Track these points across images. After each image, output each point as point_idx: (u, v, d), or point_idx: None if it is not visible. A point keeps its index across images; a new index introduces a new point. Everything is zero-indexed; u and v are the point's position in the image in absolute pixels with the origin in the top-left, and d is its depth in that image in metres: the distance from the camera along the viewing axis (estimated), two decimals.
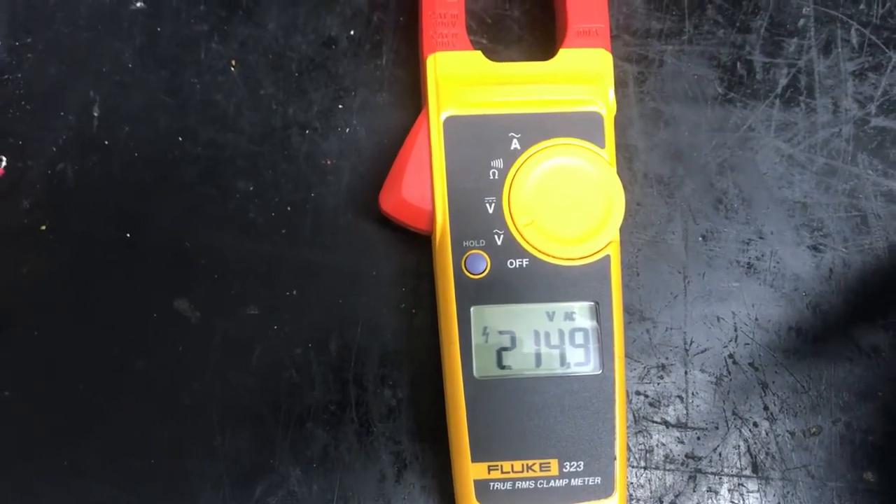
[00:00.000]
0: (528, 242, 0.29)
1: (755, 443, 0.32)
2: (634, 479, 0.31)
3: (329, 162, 0.33)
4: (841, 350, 0.32)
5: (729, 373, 0.32)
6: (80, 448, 0.31)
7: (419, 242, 0.32)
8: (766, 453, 0.32)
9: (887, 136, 0.34)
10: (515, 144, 0.30)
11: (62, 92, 0.33)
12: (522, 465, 0.28)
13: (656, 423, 0.32)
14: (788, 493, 0.32)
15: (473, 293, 0.29)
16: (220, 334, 0.31)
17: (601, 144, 0.30)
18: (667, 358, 0.32)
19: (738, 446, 0.32)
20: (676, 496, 0.31)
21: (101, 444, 0.31)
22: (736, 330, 0.33)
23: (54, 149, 0.32)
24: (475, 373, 0.29)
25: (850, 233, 0.33)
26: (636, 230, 0.33)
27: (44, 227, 0.32)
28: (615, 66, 0.32)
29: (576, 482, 0.28)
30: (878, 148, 0.34)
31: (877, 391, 0.32)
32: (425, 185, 0.30)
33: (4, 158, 0.31)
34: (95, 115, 0.32)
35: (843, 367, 0.32)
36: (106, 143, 0.32)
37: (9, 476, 0.30)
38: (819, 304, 0.33)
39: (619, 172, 0.30)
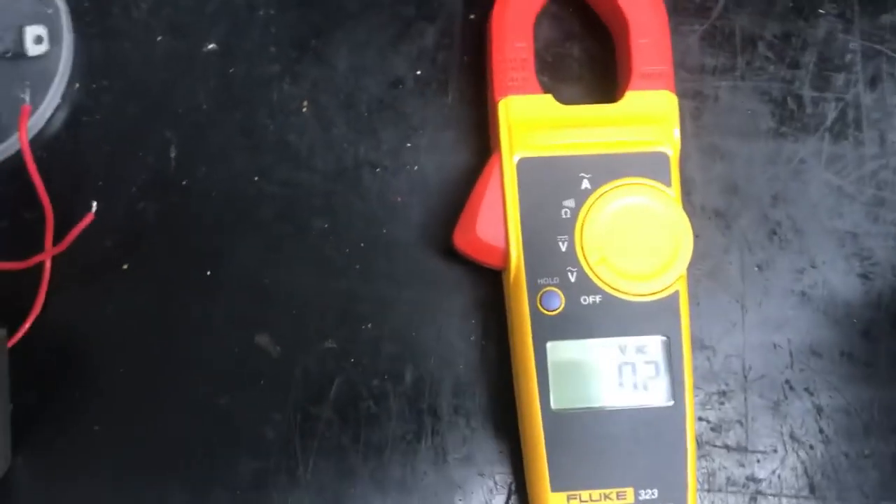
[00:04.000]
0: (600, 279, 0.30)
1: (811, 465, 0.33)
2: (699, 502, 0.33)
3: (399, 199, 0.34)
4: (891, 374, 0.34)
5: (786, 397, 0.34)
6: (168, 482, 0.32)
7: (487, 276, 0.33)
8: (822, 474, 0.33)
9: None
10: (586, 184, 0.31)
11: (140, 133, 0.34)
12: (600, 493, 0.30)
13: (718, 447, 0.33)
14: None
15: (549, 329, 0.30)
16: (300, 368, 0.33)
17: (668, 183, 0.31)
18: (727, 384, 0.34)
19: (796, 468, 0.33)
20: None
21: (187, 478, 0.32)
22: (791, 356, 0.34)
23: (134, 189, 0.33)
24: (553, 405, 0.30)
25: None
26: (696, 261, 0.34)
27: (125, 267, 0.33)
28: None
29: None
30: None
31: None
32: (499, 223, 0.31)
33: (95, 203, 0.32)
34: (173, 155, 0.33)
35: (894, 390, 0.34)
36: (184, 182, 0.33)
37: None
38: (870, 329, 0.34)
39: None
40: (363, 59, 0.35)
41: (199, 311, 0.33)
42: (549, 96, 0.32)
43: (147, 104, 0.34)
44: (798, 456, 0.33)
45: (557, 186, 0.31)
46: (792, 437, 0.34)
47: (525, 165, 0.31)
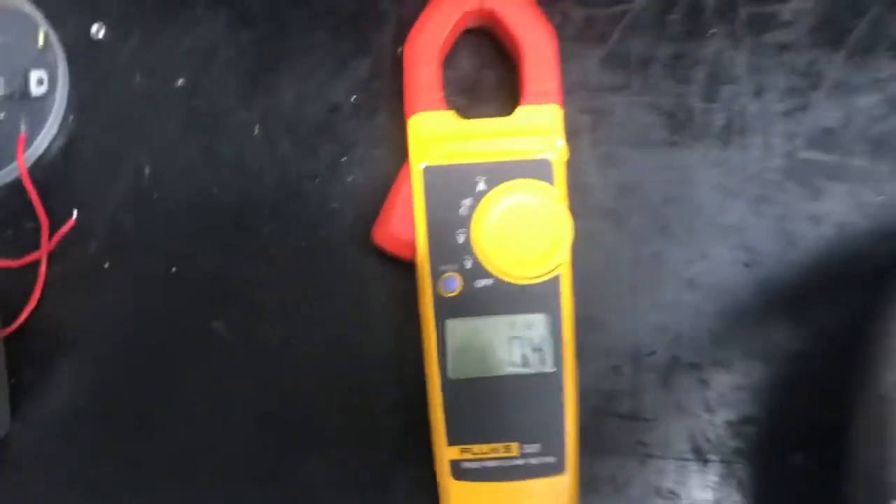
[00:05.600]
0: (492, 265, 0.36)
1: (696, 431, 0.38)
2: (593, 463, 0.37)
3: (335, 206, 0.40)
4: (768, 350, 0.38)
5: (673, 372, 0.38)
6: (144, 443, 0.38)
7: (408, 270, 0.38)
8: (705, 439, 0.38)
9: (812, 167, 0.40)
10: (482, 186, 0.36)
11: (120, 157, 0.40)
12: (489, 447, 0.35)
13: (611, 415, 0.38)
14: (726, 473, 0.37)
15: (448, 309, 0.36)
16: (251, 350, 0.39)
17: (551, 183, 0.36)
18: (621, 360, 0.38)
19: (681, 433, 0.38)
20: (629, 476, 0.37)
21: (154, 440, 0.38)
22: (680, 336, 0.38)
23: (115, 202, 0.40)
24: (450, 375, 0.35)
25: (779, 251, 0.39)
26: (594, 252, 0.39)
27: (106, 266, 0.39)
28: (573, 116, 0.38)
29: (533, 461, 0.35)
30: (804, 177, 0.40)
31: (798, 385, 0.38)
32: (408, 221, 0.36)
33: (76, 210, 0.39)
34: (146, 173, 0.40)
35: (771, 365, 0.38)
36: (156, 196, 0.40)
37: (83, 479, 0.38)
38: (751, 312, 0.38)
39: (576, 207, 0.37)
40: (306, 89, 0.41)
41: (166, 302, 0.39)
42: (451, 112, 0.37)
43: (126, 132, 0.40)
44: (684, 423, 0.38)
45: (457, 188, 0.36)
46: (678, 406, 0.38)
47: (430, 172, 0.37)
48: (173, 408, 0.38)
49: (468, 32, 0.39)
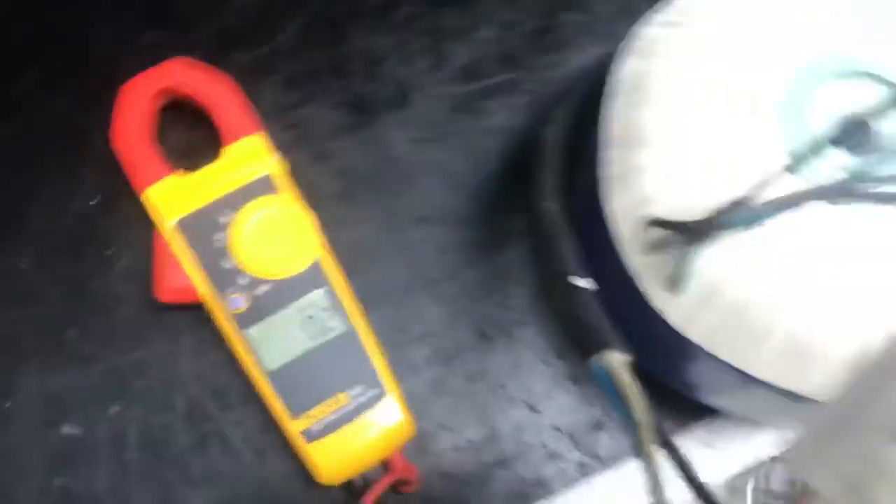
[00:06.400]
0: (261, 273, 0.43)
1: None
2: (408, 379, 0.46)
3: (120, 289, 0.46)
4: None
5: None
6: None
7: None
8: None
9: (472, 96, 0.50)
10: (227, 217, 0.44)
11: None
12: (324, 405, 0.42)
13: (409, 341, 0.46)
14: None
15: (244, 321, 0.43)
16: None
17: (279, 192, 0.44)
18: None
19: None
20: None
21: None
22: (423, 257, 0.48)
23: None
24: (269, 367, 0.42)
25: (470, 169, 0.49)
26: (341, 227, 0.47)
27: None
28: (278, 134, 0.46)
29: (362, 399, 0.42)
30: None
31: None
32: (180, 271, 0.43)
33: None
34: None
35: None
36: None
37: None
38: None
39: (310, 200, 0.45)
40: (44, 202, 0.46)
41: None
42: (175, 174, 0.44)
43: None
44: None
45: (207, 228, 0.43)
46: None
47: (179, 225, 0.43)
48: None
49: (169, 105, 0.46)
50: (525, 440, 0.46)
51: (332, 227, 0.45)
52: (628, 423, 0.31)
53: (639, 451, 0.30)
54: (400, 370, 0.45)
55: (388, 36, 0.51)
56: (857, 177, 0.34)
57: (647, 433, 0.29)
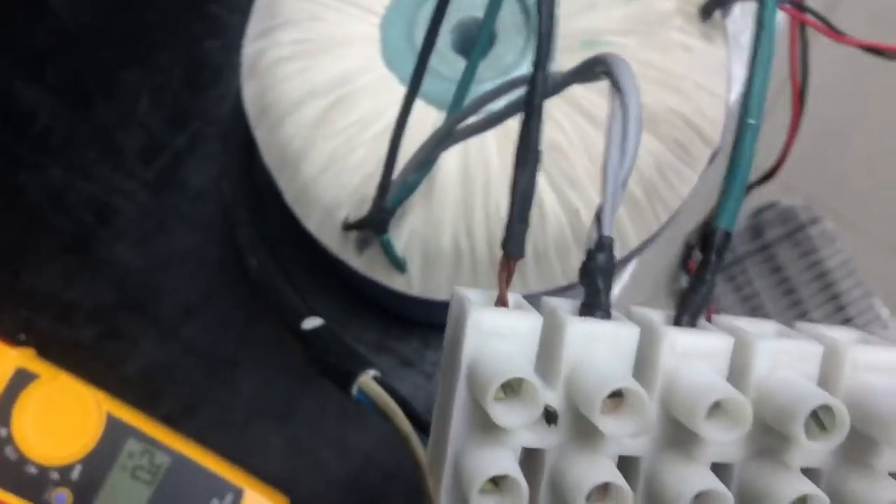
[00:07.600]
0: (64, 460, 0.42)
1: None
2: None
3: None
4: None
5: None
6: None
7: None
8: None
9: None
10: (4, 429, 0.42)
11: None
12: None
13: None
14: None
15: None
16: None
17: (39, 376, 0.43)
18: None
19: None
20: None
21: None
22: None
23: None
24: None
25: None
26: None
27: None
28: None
29: None
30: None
31: None
32: None
33: None
34: None
35: None
36: None
37: None
38: None
39: None
40: None
41: None
42: None
43: None
44: None
45: None
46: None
47: None
48: None
49: None
50: None
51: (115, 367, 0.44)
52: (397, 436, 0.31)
53: (415, 466, 0.30)
54: (248, 456, 0.45)
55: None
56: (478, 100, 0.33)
57: (416, 445, 0.30)
